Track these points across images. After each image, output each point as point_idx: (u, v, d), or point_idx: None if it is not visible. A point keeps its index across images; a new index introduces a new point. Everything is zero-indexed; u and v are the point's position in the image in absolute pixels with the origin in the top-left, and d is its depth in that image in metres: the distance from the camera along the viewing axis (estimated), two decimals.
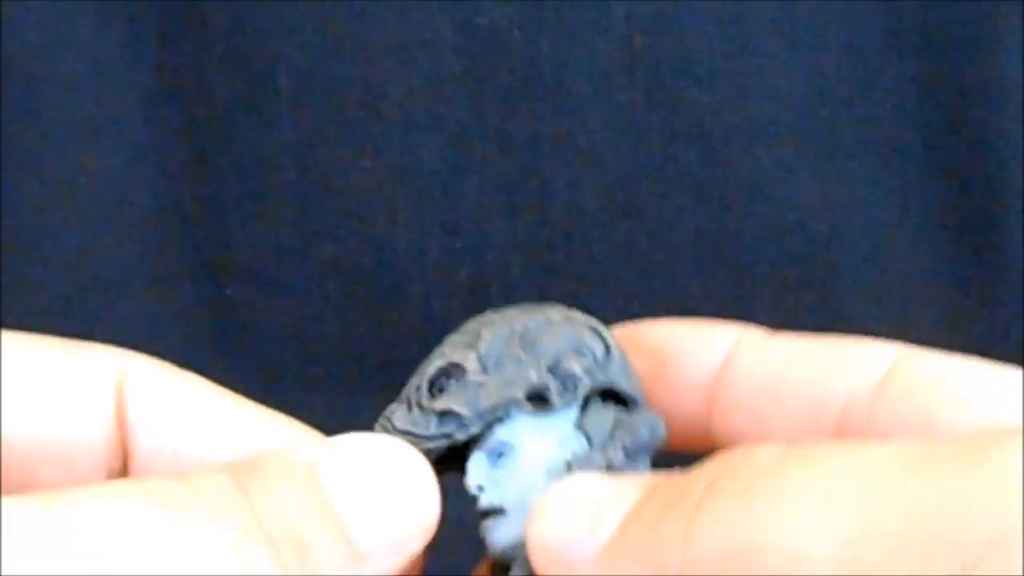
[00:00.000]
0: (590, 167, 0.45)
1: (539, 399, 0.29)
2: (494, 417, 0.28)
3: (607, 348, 0.30)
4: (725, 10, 0.44)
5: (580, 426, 0.29)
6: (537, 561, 0.27)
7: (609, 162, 0.45)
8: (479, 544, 0.29)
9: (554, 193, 0.45)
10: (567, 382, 0.29)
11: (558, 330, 0.29)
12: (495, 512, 0.29)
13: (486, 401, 0.28)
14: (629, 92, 0.44)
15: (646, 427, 0.29)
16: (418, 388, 0.29)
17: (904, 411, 0.29)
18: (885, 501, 0.23)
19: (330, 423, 0.29)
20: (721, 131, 0.45)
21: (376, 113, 0.44)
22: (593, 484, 0.28)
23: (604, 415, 0.30)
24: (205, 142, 0.45)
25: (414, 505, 0.27)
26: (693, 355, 0.32)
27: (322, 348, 0.46)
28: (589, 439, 0.29)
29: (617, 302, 0.45)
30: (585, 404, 0.29)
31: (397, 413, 0.29)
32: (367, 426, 0.29)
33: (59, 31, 0.44)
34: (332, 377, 0.46)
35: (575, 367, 0.29)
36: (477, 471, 0.29)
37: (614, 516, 0.26)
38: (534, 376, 0.29)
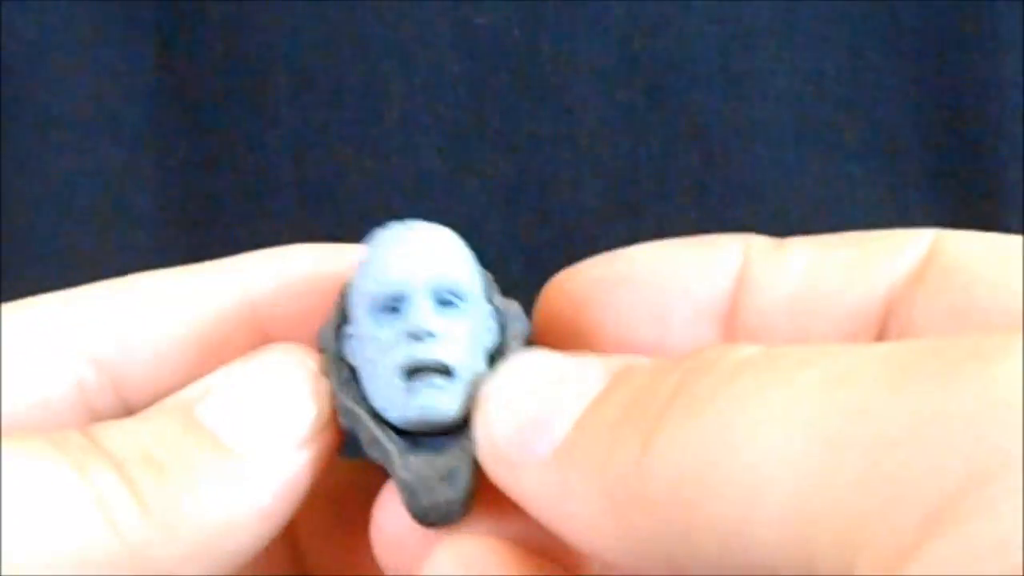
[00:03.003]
0: (590, 167, 0.45)
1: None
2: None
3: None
4: (725, 10, 0.44)
5: (495, 311, 0.29)
6: (485, 454, 0.26)
7: (609, 162, 0.45)
8: None
9: (554, 193, 0.45)
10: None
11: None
12: (435, 371, 0.27)
13: None
14: (629, 92, 0.44)
15: (521, 319, 0.29)
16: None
17: (944, 302, 0.26)
18: (853, 423, 0.20)
19: None
20: (721, 131, 0.45)
21: (376, 113, 0.44)
22: (550, 363, 0.26)
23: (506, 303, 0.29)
24: (205, 142, 0.45)
25: (289, 407, 0.27)
26: (696, 282, 0.29)
27: None
28: (502, 327, 0.29)
29: None
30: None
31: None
32: None
33: (59, 31, 0.44)
34: None
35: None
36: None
37: (573, 407, 0.25)
38: None
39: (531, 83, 0.44)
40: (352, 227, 0.45)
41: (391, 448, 0.27)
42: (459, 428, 0.27)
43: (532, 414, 0.25)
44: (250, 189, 0.45)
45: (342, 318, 0.29)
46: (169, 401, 0.27)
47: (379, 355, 0.28)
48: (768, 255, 0.28)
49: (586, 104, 0.44)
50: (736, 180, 0.45)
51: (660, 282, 0.29)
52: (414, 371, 0.27)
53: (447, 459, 0.27)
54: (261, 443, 0.26)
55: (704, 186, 0.45)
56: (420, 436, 0.28)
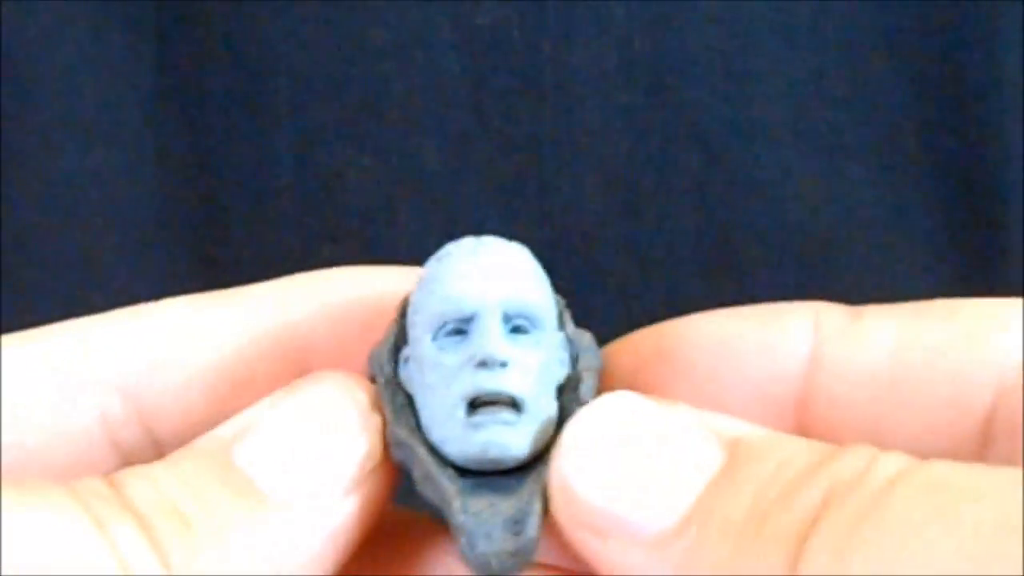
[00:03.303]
0: (590, 167, 0.45)
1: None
2: None
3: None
4: (725, 10, 0.44)
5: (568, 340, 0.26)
6: (564, 511, 0.23)
7: (609, 162, 0.45)
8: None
9: (554, 193, 0.45)
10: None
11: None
12: (503, 404, 0.24)
13: None
14: (629, 92, 0.44)
15: (594, 351, 0.26)
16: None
17: None
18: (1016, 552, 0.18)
19: None
20: (721, 131, 0.45)
21: (376, 113, 0.44)
22: (647, 413, 0.23)
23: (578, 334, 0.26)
24: (205, 142, 0.45)
25: (333, 448, 0.25)
26: (758, 368, 0.26)
27: None
28: (574, 359, 0.26)
29: (617, 302, 0.45)
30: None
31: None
32: None
33: (59, 31, 0.44)
34: None
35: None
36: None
37: (688, 482, 0.22)
38: None
39: (531, 83, 0.44)
40: (352, 227, 0.45)
41: (448, 487, 0.24)
42: (525, 468, 0.25)
43: (630, 478, 0.23)
44: (250, 189, 0.45)
45: (400, 339, 0.26)
46: (203, 442, 0.25)
47: (440, 382, 0.25)
48: (844, 332, 0.26)
49: (586, 104, 0.44)
50: (736, 180, 0.45)
51: (717, 365, 0.26)
52: (480, 403, 0.25)
53: (512, 504, 0.24)
54: (305, 490, 0.24)
55: (704, 186, 0.45)
56: (480, 475, 0.25)
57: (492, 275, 0.25)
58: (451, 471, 0.25)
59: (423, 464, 0.25)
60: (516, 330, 0.25)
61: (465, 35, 0.44)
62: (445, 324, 0.25)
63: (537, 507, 0.24)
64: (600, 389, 0.26)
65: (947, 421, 0.25)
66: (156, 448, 0.27)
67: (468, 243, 0.26)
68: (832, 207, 0.45)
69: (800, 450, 0.22)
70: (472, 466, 0.25)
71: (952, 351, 0.25)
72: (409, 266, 0.28)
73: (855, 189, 0.45)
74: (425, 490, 0.25)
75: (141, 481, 0.24)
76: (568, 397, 0.26)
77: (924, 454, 0.23)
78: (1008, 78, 0.44)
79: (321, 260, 0.45)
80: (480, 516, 0.24)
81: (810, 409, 0.26)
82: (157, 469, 0.25)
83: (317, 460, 0.24)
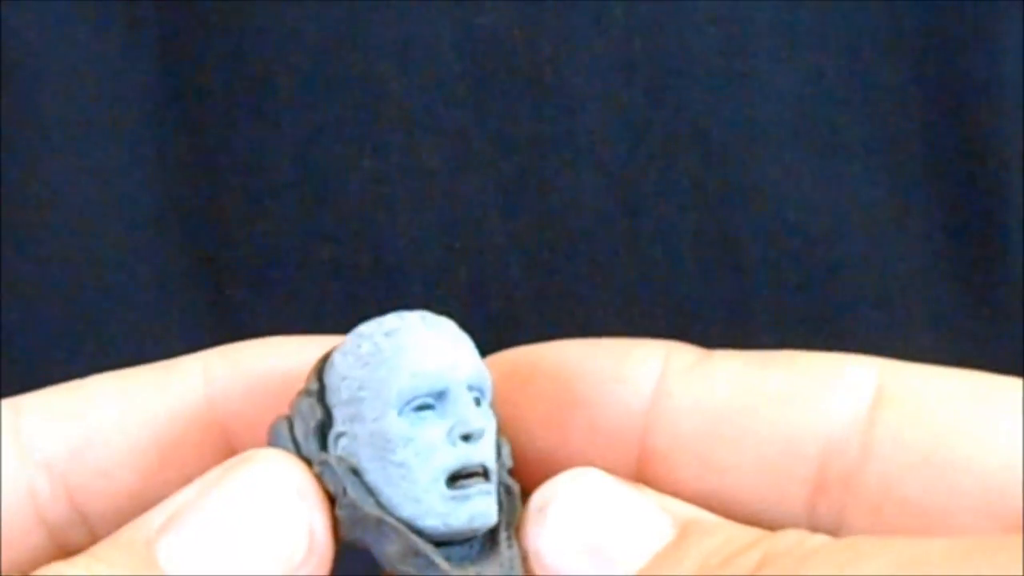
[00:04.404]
0: (590, 167, 0.45)
1: None
2: None
3: None
4: (725, 10, 0.44)
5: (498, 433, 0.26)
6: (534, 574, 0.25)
7: (609, 162, 0.45)
8: None
9: (554, 193, 0.45)
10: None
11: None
12: (473, 476, 0.25)
13: None
14: (629, 92, 0.44)
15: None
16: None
17: (904, 451, 0.25)
18: None
19: None
20: (721, 131, 0.45)
21: (376, 113, 0.44)
22: (611, 491, 0.25)
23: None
24: (205, 142, 0.45)
25: (262, 541, 0.24)
26: (614, 386, 0.26)
27: None
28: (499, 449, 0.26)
29: (617, 302, 0.45)
30: None
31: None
32: None
33: (59, 31, 0.44)
34: None
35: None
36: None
37: (638, 552, 0.24)
38: None
39: (531, 83, 0.44)
40: (352, 227, 0.45)
41: (441, 561, 0.25)
42: (486, 533, 0.25)
43: (594, 546, 0.24)
44: (250, 189, 0.45)
45: (325, 417, 0.26)
46: (126, 533, 0.25)
47: (414, 458, 0.25)
48: (691, 370, 0.26)
49: (586, 104, 0.44)
50: (736, 180, 0.45)
51: (564, 394, 0.27)
52: (460, 476, 0.25)
53: (494, 569, 0.25)
54: None
55: (704, 186, 0.45)
56: (445, 545, 0.25)
57: (456, 349, 0.26)
58: (430, 544, 0.25)
59: (406, 539, 0.25)
60: (475, 402, 0.26)
61: (465, 35, 0.44)
62: (413, 400, 0.25)
63: (520, 570, 0.25)
64: None
65: (778, 465, 0.26)
66: (85, 524, 0.27)
67: (413, 317, 0.26)
68: (832, 207, 0.45)
69: (747, 531, 0.24)
70: (449, 538, 0.25)
71: (787, 400, 0.26)
72: (328, 336, 0.27)
73: (855, 189, 0.45)
74: (404, 567, 0.25)
75: None
76: (498, 463, 0.26)
77: (757, 497, 0.25)
78: (1008, 78, 0.44)
79: (321, 260, 0.45)
80: None
81: (651, 443, 0.26)
82: (75, 568, 0.24)
83: (248, 557, 0.24)
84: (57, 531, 0.27)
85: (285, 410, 0.26)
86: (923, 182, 0.45)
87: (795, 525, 0.25)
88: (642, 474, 0.27)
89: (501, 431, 0.27)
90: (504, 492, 0.26)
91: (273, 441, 0.26)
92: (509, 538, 0.25)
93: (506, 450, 0.26)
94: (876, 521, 0.25)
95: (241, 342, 0.28)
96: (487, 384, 0.26)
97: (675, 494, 0.26)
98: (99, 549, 0.24)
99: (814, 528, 0.25)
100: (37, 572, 0.24)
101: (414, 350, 0.25)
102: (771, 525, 0.25)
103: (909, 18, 0.44)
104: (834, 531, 0.25)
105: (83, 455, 0.27)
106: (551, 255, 0.45)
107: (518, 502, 0.26)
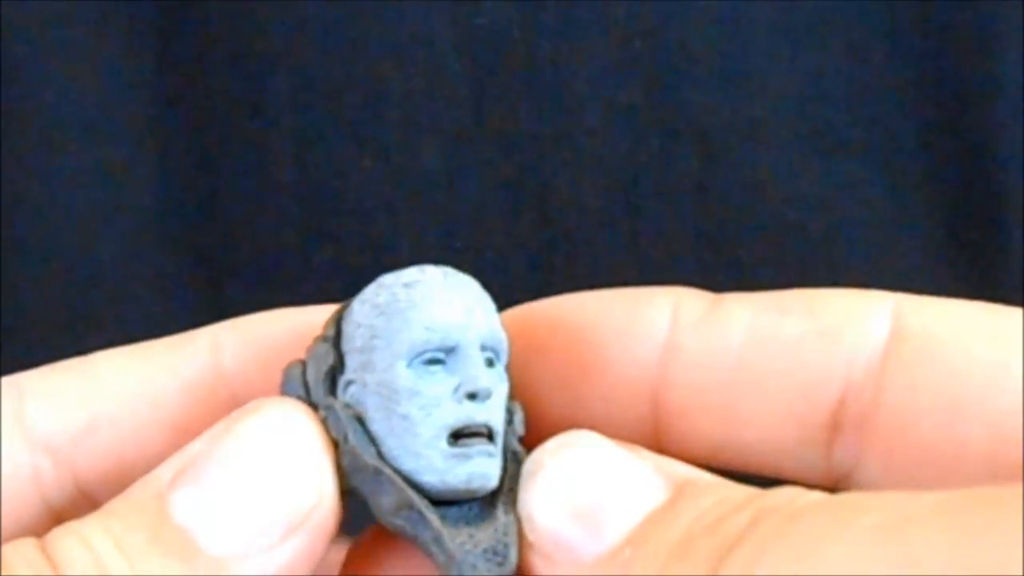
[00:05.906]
0: (590, 167, 0.45)
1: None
2: None
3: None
4: (725, 10, 0.44)
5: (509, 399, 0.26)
6: (525, 538, 0.24)
7: (609, 162, 0.45)
8: None
9: (554, 193, 0.45)
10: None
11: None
12: (482, 436, 0.25)
13: None
14: (629, 92, 0.44)
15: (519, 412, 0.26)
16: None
17: (915, 394, 0.25)
18: (905, 572, 0.20)
19: None
20: (721, 131, 0.45)
21: (376, 113, 0.44)
22: (607, 454, 0.24)
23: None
24: (205, 142, 0.45)
25: (278, 488, 0.24)
26: (625, 338, 0.26)
27: None
28: (509, 414, 0.26)
29: None
30: None
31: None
32: None
33: (59, 31, 0.44)
34: None
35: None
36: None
37: (630, 513, 0.24)
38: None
39: (531, 83, 0.44)
40: (352, 227, 0.45)
41: (433, 517, 0.24)
42: (487, 497, 0.25)
43: (583, 508, 0.24)
44: (250, 189, 0.45)
45: (338, 363, 0.26)
46: (138, 489, 0.24)
47: (418, 412, 0.25)
48: (702, 319, 0.26)
49: (586, 104, 0.44)
50: (736, 180, 0.45)
51: (575, 347, 0.27)
52: (462, 434, 0.25)
53: (488, 535, 0.24)
54: (247, 541, 0.23)
55: (704, 186, 0.45)
56: (443, 504, 0.25)
57: (473, 307, 0.25)
58: (426, 500, 0.25)
59: (401, 492, 0.25)
60: (487, 363, 0.25)
61: (465, 35, 0.44)
62: (424, 353, 0.25)
63: (515, 538, 0.24)
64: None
65: (797, 411, 0.25)
66: (90, 504, 0.26)
67: (434, 272, 0.26)
68: (832, 207, 0.45)
69: (741, 490, 0.23)
70: (447, 497, 0.25)
71: (804, 344, 0.25)
72: (338, 306, 0.27)
73: (855, 189, 0.45)
74: (395, 520, 0.25)
75: (73, 543, 0.23)
76: (507, 429, 0.26)
77: (774, 446, 0.25)
78: (1008, 78, 0.44)
79: (321, 260, 0.45)
80: (463, 547, 0.24)
81: (665, 394, 0.26)
82: (90, 526, 0.24)
83: (260, 505, 0.24)
84: (60, 512, 0.27)
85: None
86: (923, 182, 0.45)
87: (812, 471, 0.24)
88: (658, 429, 0.26)
89: (515, 397, 0.26)
90: (511, 458, 0.26)
91: (285, 384, 0.26)
92: (507, 504, 0.25)
93: (518, 416, 0.26)
94: (890, 465, 0.25)
95: (251, 314, 0.28)
96: (502, 346, 0.26)
97: (692, 447, 0.26)
98: (112, 505, 0.24)
99: (831, 473, 0.25)
100: (50, 535, 0.24)
101: (429, 303, 0.25)
102: (789, 472, 0.25)
103: (909, 18, 0.44)
104: (849, 476, 0.25)
105: (89, 436, 0.27)
106: (551, 255, 0.45)
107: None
